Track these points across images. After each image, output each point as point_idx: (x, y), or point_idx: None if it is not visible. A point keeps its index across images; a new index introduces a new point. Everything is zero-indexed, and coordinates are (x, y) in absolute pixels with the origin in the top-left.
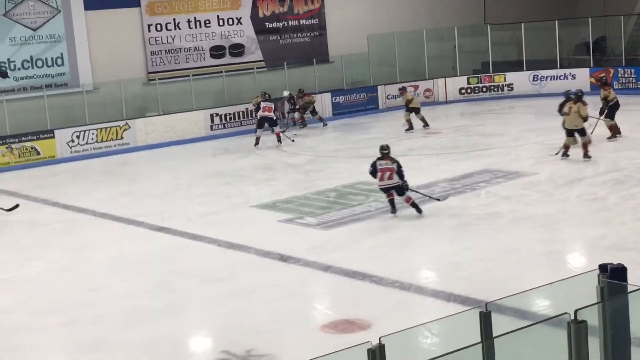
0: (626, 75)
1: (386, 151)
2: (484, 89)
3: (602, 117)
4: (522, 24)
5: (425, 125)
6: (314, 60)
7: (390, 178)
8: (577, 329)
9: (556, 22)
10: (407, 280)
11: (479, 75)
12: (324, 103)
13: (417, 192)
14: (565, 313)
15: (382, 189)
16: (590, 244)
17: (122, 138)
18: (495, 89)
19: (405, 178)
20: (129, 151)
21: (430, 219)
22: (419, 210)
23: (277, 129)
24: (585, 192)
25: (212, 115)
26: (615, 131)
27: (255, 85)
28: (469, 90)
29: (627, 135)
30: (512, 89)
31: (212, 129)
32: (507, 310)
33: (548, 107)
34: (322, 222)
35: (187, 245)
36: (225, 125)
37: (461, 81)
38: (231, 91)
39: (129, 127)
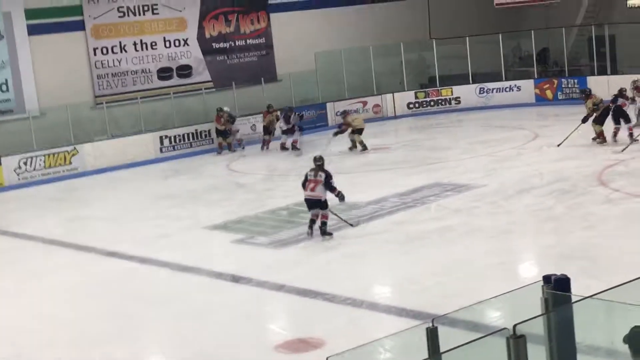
0: (569, 86)
1: (319, 163)
2: (432, 103)
3: (592, 123)
4: (467, 37)
5: (364, 148)
6: (262, 79)
7: (312, 190)
8: (516, 344)
9: (500, 35)
10: (360, 297)
11: (426, 89)
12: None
13: (332, 213)
14: (505, 328)
15: (305, 202)
16: (540, 254)
17: (70, 163)
18: (443, 103)
19: (338, 189)
20: (78, 176)
21: (382, 234)
22: (327, 234)
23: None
24: (533, 202)
25: (161, 137)
26: (602, 136)
27: (204, 106)
28: (417, 105)
29: (571, 145)
30: (459, 102)
31: (161, 151)
32: (458, 323)
33: (495, 119)
34: (274, 241)
35: (138, 269)
36: (175, 147)
37: (409, 96)
38: (180, 113)
39: (77, 152)
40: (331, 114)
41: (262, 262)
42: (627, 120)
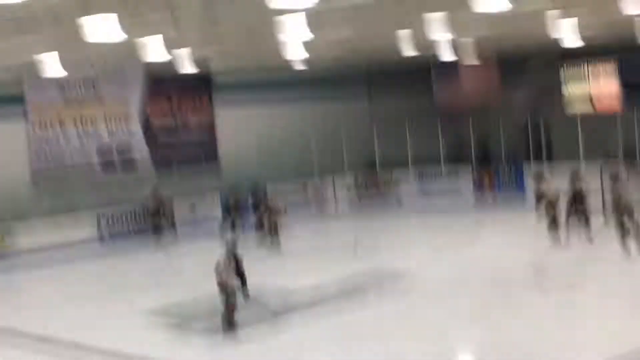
0: (507, 174)
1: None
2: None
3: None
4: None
5: None
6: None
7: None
8: None
9: (438, 119)
10: None
11: (366, 174)
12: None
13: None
14: None
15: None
16: (479, 348)
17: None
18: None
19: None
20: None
21: (318, 319)
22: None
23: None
24: (473, 293)
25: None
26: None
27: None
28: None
29: (508, 234)
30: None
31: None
32: None
33: (435, 207)
34: (209, 328)
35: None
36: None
37: (349, 180)
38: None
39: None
40: None
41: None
42: None
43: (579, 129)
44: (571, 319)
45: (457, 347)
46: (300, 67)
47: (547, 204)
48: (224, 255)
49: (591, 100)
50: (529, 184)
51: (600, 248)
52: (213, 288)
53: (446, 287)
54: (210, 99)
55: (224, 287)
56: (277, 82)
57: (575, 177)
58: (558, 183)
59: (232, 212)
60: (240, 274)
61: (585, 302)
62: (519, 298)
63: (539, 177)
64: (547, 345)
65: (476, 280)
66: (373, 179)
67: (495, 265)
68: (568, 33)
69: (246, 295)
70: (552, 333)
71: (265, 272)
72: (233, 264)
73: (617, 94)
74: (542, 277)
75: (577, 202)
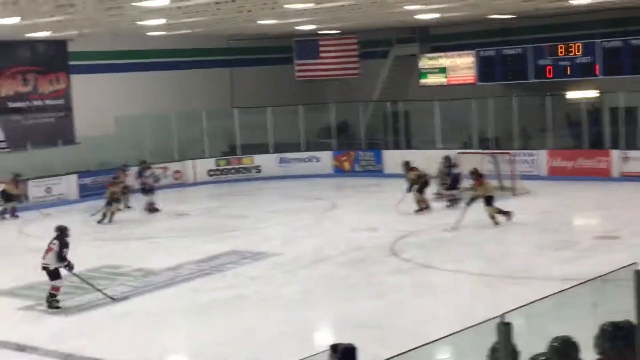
0: (366, 158)
1: (57, 232)
2: (233, 171)
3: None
4: (268, 108)
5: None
6: (60, 141)
7: (43, 257)
8: None
9: (300, 107)
10: None
11: (227, 157)
12: (70, 185)
13: (90, 285)
14: None
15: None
16: (333, 323)
17: None
18: (244, 171)
19: (69, 259)
20: None
21: (177, 302)
22: (53, 307)
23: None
24: (328, 271)
25: None
26: (424, 203)
27: None
28: (217, 172)
29: (364, 215)
30: (259, 170)
31: None
32: None
33: (294, 189)
34: (65, 309)
35: None
36: None
37: (210, 163)
38: None
39: None
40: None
41: (50, 330)
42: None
43: (437, 115)
44: (425, 295)
45: (313, 324)
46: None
47: (418, 186)
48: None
49: (445, 73)
50: (402, 169)
51: (461, 229)
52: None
53: (304, 265)
54: (68, 78)
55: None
56: (136, 63)
57: (446, 162)
58: (425, 168)
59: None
60: (60, 258)
61: (440, 279)
62: (377, 276)
63: (406, 164)
64: (402, 319)
65: (334, 259)
66: (234, 162)
67: (353, 245)
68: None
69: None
70: (406, 308)
71: (126, 253)
72: (57, 249)
73: (471, 67)
74: (400, 255)
75: (450, 186)
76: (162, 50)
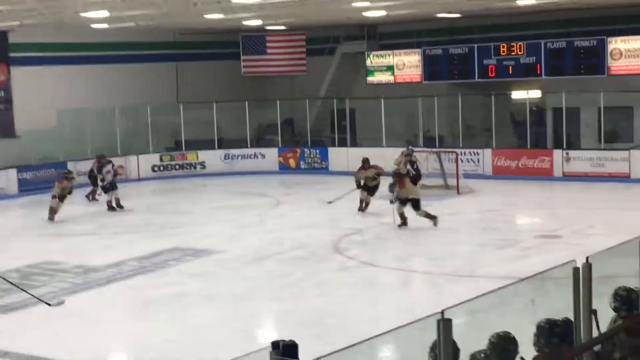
0: (312, 156)
1: None
2: (177, 167)
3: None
4: (214, 103)
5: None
6: None
7: None
8: None
9: (246, 103)
10: None
11: (171, 153)
12: (9, 179)
13: (24, 291)
14: None
15: None
16: (277, 321)
17: None
18: (188, 167)
19: None
20: None
21: (119, 299)
22: None
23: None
24: (272, 269)
25: None
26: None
27: None
28: (161, 168)
29: (309, 212)
30: (204, 167)
31: None
32: None
33: (239, 186)
34: (2, 306)
35: None
36: None
37: (154, 158)
38: None
39: None
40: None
41: None
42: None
43: (383, 113)
44: (369, 293)
45: (256, 321)
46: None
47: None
48: None
49: (393, 71)
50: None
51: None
52: (4, 266)
53: (247, 263)
54: (8, 69)
55: None
56: (80, 56)
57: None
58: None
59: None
60: None
61: (383, 277)
62: (321, 274)
63: (364, 162)
64: (344, 317)
65: (279, 256)
66: (178, 158)
67: (298, 242)
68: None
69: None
70: (349, 306)
71: (67, 249)
72: None
73: (418, 65)
74: (344, 253)
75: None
76: (107, 43)
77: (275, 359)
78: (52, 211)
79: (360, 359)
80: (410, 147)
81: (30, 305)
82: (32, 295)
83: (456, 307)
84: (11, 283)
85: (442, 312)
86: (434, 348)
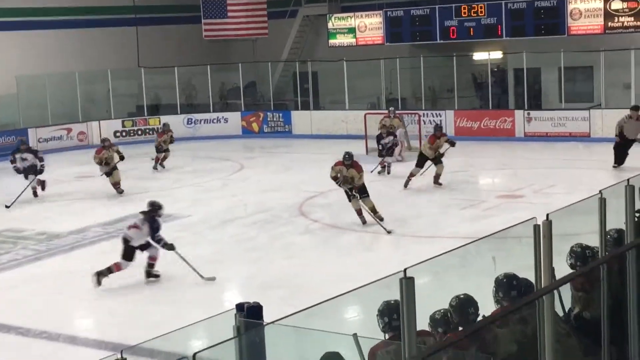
0: (275, 119)
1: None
2: (140, 132)
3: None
4: (176, 67)
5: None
6: None
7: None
8: None
9: (208, 67)
10: (56, 331)
11: (134, 118)
12: None
13: (187, 263)
14: (184, 357)
15: None
16: (242, 284)
17: None
18: (151, 132)
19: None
20: None
21: (84, 265)
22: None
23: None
24: (237, 232)
25: None
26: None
27: None
28: (124, 133)
29: (272, 176)
30: None
31: None
32: (150, 352)
33: (202, 150)
34: None
35: None
36: None
37: (116, 124)
38: None
39: None
40: (33, 139)
41: None
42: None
43: (345, 76)
44: (333, 255)
45: (222, 285)
46: None
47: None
48: None
49: (354, 33)
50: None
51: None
52: None
53: (212, 226)
54: None
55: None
56: (39, 21)
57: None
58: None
59: None
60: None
61: (347, 239)
62: (285, 237)
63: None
64: (309, 279)
65: (243, 220)
66: (140, 123)
67: (262, 206)
68: None
69: None
70: (314, 268)
71: (29, 216)
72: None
73: (379, 27)
74: (308, 215)
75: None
76: (66, 8)
77: (240, 321)
78: (114, 186)
79: (324, 319)
80: (392, 108)
81: None
82: (193, 268)
83: (419, 266)
84: (181, 257)
85: (405, 271)
86: (382, 312)
